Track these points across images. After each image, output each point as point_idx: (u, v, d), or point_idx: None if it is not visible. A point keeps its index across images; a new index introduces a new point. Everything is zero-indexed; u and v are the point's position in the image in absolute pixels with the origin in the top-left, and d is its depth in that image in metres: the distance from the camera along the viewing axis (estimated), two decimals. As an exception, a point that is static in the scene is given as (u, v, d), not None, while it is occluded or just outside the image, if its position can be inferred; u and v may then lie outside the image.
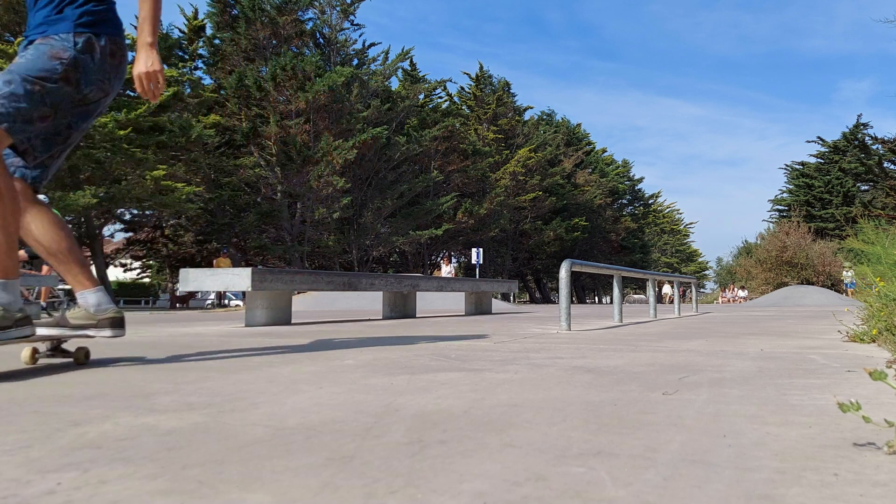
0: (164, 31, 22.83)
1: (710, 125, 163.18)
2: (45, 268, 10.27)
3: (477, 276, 26.14)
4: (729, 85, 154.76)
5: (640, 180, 49.88)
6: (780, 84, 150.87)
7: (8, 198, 1.85)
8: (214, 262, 18.44)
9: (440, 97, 31.13)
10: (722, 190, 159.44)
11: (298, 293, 14.66)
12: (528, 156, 32.36)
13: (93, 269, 2.69)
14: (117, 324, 2.19)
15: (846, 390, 1.49)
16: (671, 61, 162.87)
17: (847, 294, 22.14)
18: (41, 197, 2.12)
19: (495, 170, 31.87)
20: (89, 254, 22.17)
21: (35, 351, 2.07)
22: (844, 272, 23.33)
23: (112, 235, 27.21)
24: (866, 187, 42.54)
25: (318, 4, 24.99)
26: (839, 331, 3.69)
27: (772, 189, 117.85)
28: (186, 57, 23.55)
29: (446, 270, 18.73)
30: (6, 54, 15.87)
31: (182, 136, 19.04)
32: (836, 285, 27.23)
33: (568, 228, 35.13)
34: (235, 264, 23.68)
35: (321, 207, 23.15)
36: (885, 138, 34.22)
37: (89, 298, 2.17)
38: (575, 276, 36.19)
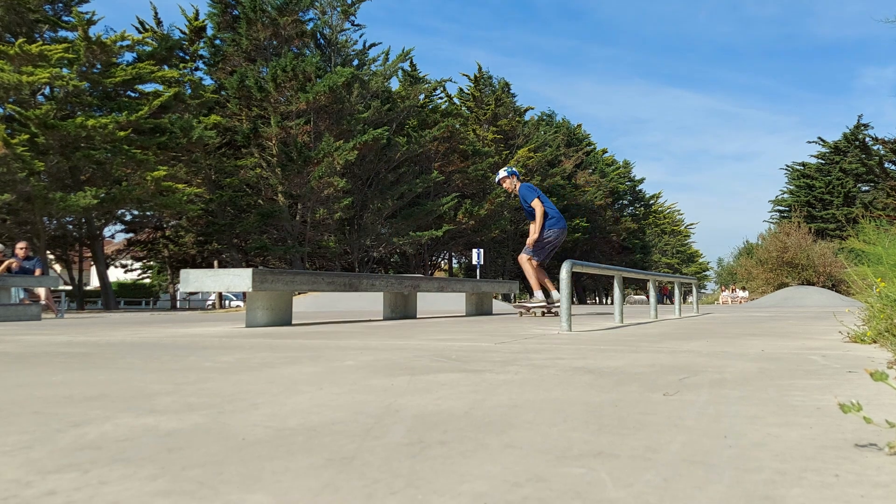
0: (165, 32, 22.86)
1: (718, 117, 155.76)
2: (37, 270, 10.29)
3: (478, 277, 26.14)
4: (735, 72, 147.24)
5: (641, 181, 49.88)
6: (791, 72, 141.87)
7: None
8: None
9: (440, 98, 31.14)
10: (731, 187, 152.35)
11: (299, 294, 14.67)
12: (528, 156, 32.37)
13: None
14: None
15: (847, 391, 1.48)
16: (671, 47, 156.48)
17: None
18: None
19: (496, 170, 31.87)
20: (90, 255, 22.19)
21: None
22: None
23: (113, 236, 27.21)
24: (867, 188, 42.53)
25: (318, 5, 25.00)
26: (840, 331, 3.69)
27: (776, 188, 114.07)
28: (187, 58, 23.57)
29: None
30: (6, 55, 15.88)
31: (183, 137, 19.05)
32: (836, 286, 27.22)
33: (568, 229, 35.14)
34: (236, 265, 23.69)
35: (322, 208, 23.17)
36: (886, 139, 34.20)
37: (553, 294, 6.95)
38: (575, 277, 36.20)
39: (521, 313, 7.30)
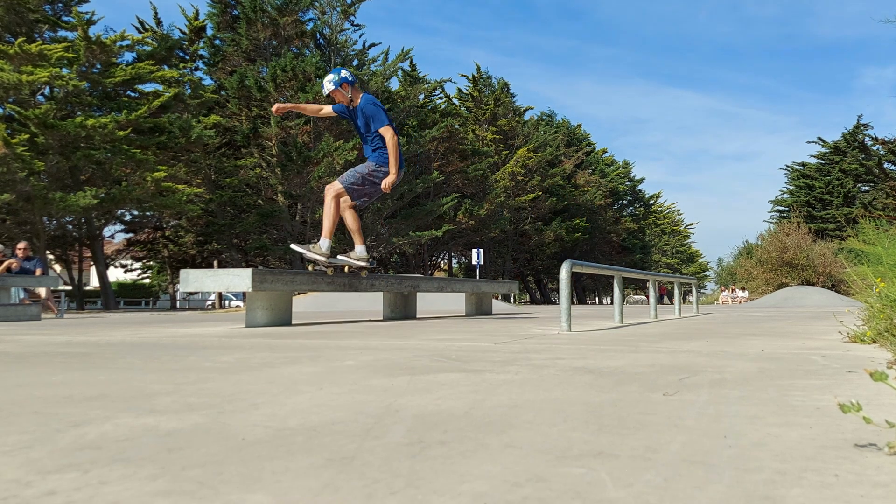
0: (165, 32, 22.87)
1: (718, 117, 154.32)
2: (37, 270, 10.29)
3: (477, 277, 26.15)
4: (735, 72, 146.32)
5: (641, 181, 49.92)
6: (791, 72, 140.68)
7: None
8: None
9: (439, 98, 31.13)
10: (731, 187, 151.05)
11: (299, 294, 14.66)
12: (528, 156, 32.37)
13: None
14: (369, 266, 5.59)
15: (847, 391, 1.48)
16: (671, 47, 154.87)
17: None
18: None
19: (495, 170, 31.88)
20: (90, 255, 22.19)
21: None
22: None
23: (113, 236, 27.20)
24: (867, 188, 42.56)
25: (318, 5, 25.01)
26: (840, 331, 3.68)
27: (776, 188, 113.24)
28: (187, 57, 23.57)
29: None
30: (6, 54, 15.88)
31: (182, 137, 19.05)
32: (836, 286, 27.22)
33: (568, 229, 35.14)
34: (236, 265, 23.69)
35: (322, 208, 23.17)
36: (885, 139, 34.23)
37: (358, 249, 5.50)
38: (575, 277, 36.20)
39: (326, 270, 5.57)
